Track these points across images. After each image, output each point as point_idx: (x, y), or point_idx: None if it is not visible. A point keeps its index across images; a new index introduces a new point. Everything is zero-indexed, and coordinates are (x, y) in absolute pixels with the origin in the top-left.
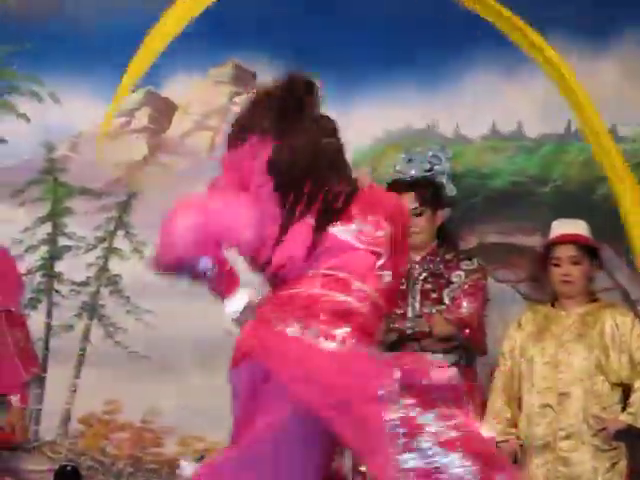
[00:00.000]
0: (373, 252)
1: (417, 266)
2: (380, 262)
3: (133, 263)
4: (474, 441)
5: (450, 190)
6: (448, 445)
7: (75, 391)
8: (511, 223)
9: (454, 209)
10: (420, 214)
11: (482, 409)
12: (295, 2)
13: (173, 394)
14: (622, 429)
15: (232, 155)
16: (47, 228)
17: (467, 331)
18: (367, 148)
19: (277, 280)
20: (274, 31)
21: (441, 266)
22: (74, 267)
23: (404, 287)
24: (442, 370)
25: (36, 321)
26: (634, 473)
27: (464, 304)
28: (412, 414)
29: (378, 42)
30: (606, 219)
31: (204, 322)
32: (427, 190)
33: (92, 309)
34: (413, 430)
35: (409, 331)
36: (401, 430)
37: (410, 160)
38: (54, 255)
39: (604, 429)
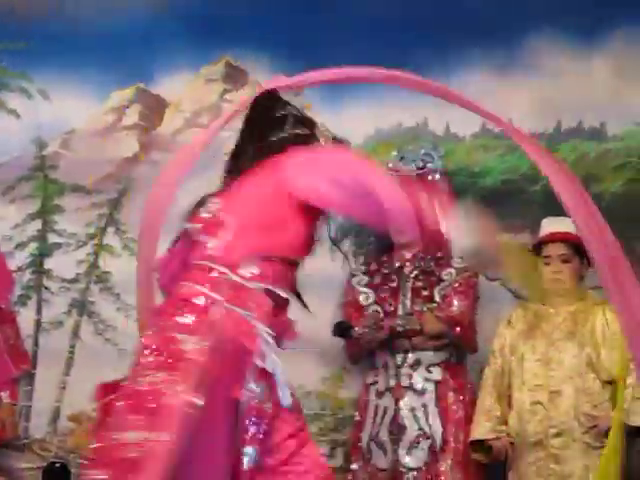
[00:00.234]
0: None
1: (408, 264)
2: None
3: (123, 260)
4: None
5: (442, 188)
6: None
7: (64, 388)
8: (502, 221)
9: None
10: None
11: (472, 407)
12: (287, 0)
13: None
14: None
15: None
16: (37, 225)
17: (458, 329)
18: (358, 146)
19: None
20: (266, 29)
21: (432, 264)
22: (64, 264)
23: (395, 284)
24: None
25: (26, 318)
26: (625, 470)
27: (455, 302)
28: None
29: (368, 41)
30: None
31: None
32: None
33: (82, 306)
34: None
35: (400, 328)
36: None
37: (402, 158)
38: (44, 252)
39: (595, 427)
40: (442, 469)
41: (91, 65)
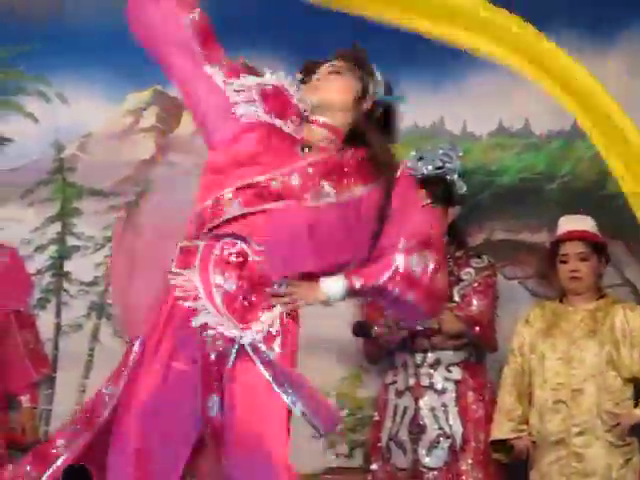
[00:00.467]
0: None
1: None
2: None
3: None
4: None
5: (460, 187)
6: None
7: (84, 391)
8: (519, 220)
9: (463, 206)
10: None
11: (492, 407)
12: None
13: None
14: (636, 424)
15: None
16: (56, 228)
17: (477, 328)
18: None
19: None
20: (279, 30)
21: (451, 263)
22: (83, 267)
23: None
24: None
25: (45, 321)
26: None
27: (474, 301)
28: None
29: (382, 41)
30: (614, 215)
31: None
32: (438, 187)
33: (101, 308)
34: None
35: (419, 328)
36: None
37: (421, 158)
38: (63, 255)
39: (618, 424)
40: (463, 469)
41: (108, 67)
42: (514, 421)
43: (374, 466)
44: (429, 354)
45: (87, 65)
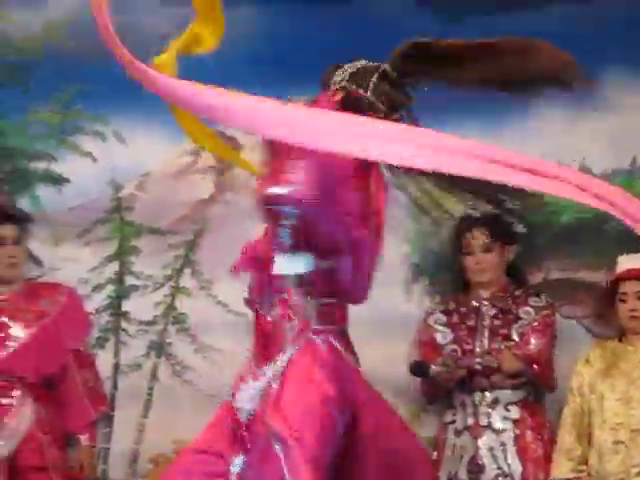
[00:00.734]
0: None
1: (486, 302)
2: None
3: (199, 301)
4: None
5: (518, 226)
6: None
7: (143, 430)
8: (576, 259)
9: (520, 245)
10: (490, 250)
11: (551, 446)
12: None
13: None
14: None
15: None
16: (114, 267)
17: (536, 367)
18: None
19: None
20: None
21: (510, 302)
22: (141, 306)
23: (472, 323)
24: None
25: (104, 360)
26: None
27: (533, 340)
28: None
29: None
30: None
31: None
32: (497, 225)
33: (160, 348)
34: None
35: (478, 367)
36: None
37: None
38: (121, 294)
39: None
40: None
41: (165, 108)
42: (574, 461)
43: None
44: (487, 393)
45: (144, 105)
